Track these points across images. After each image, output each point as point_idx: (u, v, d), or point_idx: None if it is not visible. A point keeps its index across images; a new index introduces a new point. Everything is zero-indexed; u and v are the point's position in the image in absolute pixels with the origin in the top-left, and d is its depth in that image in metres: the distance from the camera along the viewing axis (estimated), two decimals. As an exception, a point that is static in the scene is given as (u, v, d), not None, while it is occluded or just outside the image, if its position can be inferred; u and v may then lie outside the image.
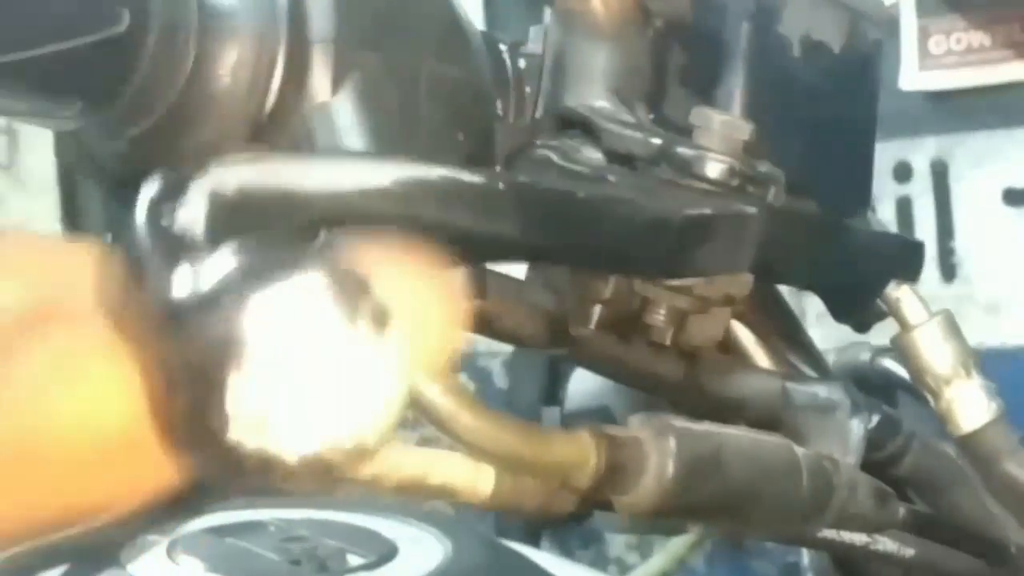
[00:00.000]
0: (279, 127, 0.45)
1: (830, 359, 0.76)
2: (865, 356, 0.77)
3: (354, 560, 0.80)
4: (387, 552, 0.81)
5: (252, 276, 0.30)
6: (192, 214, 0.32)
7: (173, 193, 0.33)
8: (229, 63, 0.44)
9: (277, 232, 0.34)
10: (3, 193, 2.21)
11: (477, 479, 0.46)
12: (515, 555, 0.88)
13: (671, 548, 1.51)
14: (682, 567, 1.55)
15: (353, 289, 0.30)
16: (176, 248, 0.31)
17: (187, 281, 0.30)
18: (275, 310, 0.30)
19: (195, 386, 0.29)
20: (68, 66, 0.42)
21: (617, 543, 1.70)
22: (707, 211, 0.48)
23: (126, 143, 0.46)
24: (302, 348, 0.30)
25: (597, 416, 0.64)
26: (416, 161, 0.40)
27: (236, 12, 0.45)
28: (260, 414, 0.29)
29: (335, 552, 0.80)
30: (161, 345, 0.30)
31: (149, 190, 0.33)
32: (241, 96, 0.45)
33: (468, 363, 1.79)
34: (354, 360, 0.30)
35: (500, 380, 1.80)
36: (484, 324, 0.53)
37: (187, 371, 0.29)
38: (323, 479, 0.30)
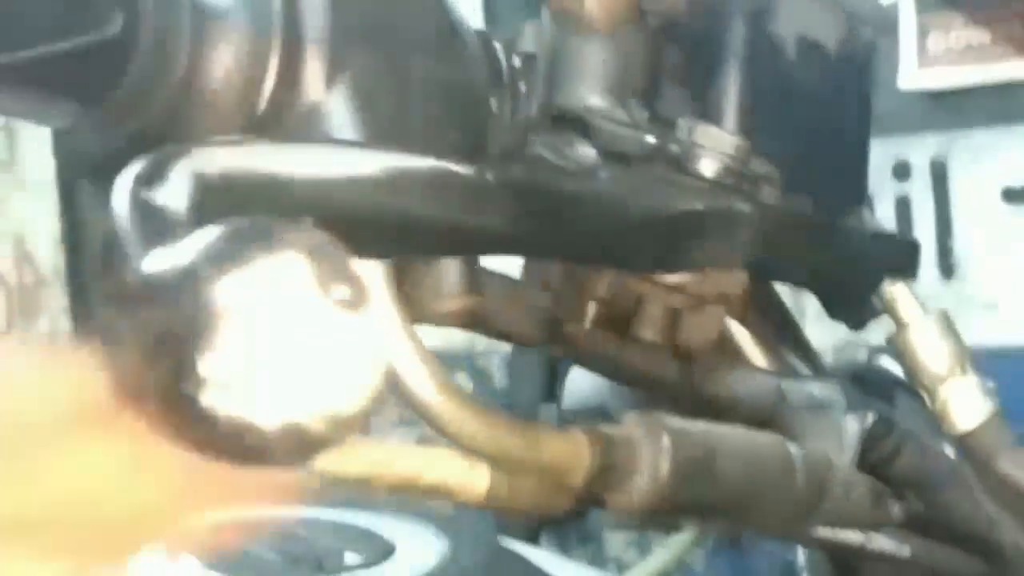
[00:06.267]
0: (272, 127, 0.45)
1: (829, 358, 0.76)
2: (863, 355, 0.77)
3: (351, 559, 0.80)
4: (384, 551, 0.81)
5: (230, 245, 0.30)
6: (175, 192, 0.32)
7: (156, 172, 0.33)
8: (223, 63, 0.44)
9: (258, 211, 0.34)
10: (2, 192, 2.21)
11: (472, 478, 0.46)
12: (513, 554, 0.88)
13: (670, 546, 1.51)
14: (681, 565, 1.55)
15: (330, 259, 0.30)
16: (157, 224, 0.31)
17: (166, 252, 0.30)
18: (252, 279, 0.30)
19: (169, 351, 0.29)
20: (61, 67, 0.42)
21: (616, 541, 1.70)
22: (699, 207, 0.48)
23: (121, 141, 0.46)
24: (278, 317, 0.30)
25: (594, 414, 0.64)
26: (404, 151, 0.40)
27: (230, 12, 0.45)
28: (235, 381, 0.29)
29: (332, 551, 0.80)
30: (138, 313, 0.30)
31: (132, 169, 0.33)
32: (235, 96, 0.45)
33: (467, 361, 1.79)
34: (331, 331, 0.30)
35: (499, 378, 1.80)
36: (479, 322, 0.53)
37: (162, 337, 0.29)
38: (300, 449, 0.30)
